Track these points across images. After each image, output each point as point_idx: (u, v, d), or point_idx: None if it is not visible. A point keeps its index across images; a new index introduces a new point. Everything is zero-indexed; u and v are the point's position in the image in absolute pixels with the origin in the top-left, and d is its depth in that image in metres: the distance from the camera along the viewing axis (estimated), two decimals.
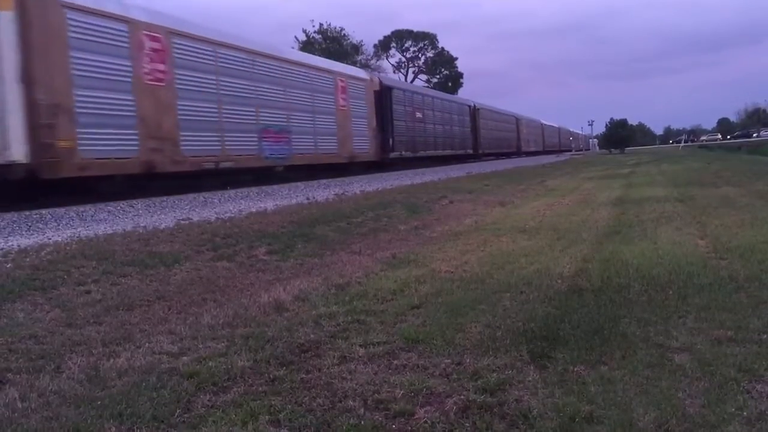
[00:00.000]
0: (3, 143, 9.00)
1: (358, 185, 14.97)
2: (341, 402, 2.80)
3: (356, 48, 57.12)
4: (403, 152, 24.54)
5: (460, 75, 67.81)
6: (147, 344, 3.70)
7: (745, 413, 2.54)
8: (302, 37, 53.87)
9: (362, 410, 2.71)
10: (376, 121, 22.25)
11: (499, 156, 41.72)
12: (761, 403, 2.62)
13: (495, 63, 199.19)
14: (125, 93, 11.18)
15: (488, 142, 38.91)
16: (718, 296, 4.23)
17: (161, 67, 12.09)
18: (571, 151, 72.58)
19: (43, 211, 8.45)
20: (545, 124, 61.13)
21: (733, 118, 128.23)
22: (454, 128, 32.26)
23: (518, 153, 47.16)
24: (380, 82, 23.71)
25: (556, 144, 66.62)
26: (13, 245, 6.06)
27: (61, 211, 8.61)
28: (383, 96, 23.14)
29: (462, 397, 2.80)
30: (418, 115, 26.81)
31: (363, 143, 21.37)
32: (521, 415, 2.59)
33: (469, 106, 35.70)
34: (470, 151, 34.73)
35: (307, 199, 11.48)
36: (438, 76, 67.00)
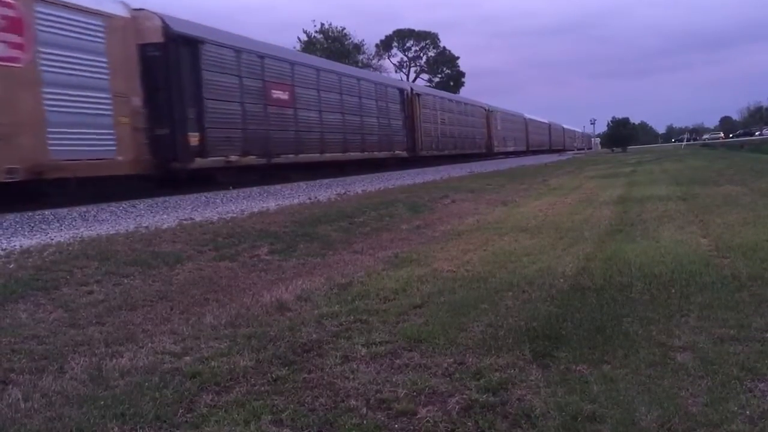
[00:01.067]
0: None
1: (360, 185, 14.98)
2: (343, 402, 2.80)
3: (358, 48, 57.07)
4: (233, 156, 14.02)
5: (462, 74, 67.86)
6: (149, 344, 3.70)
7: (747, 412, 2.53)
8: (303, 37, 53.82)
9: (364, 410, 2.71)
10: (144, 97, 11.67)
11: (458, 159, 31.51)
12: (764, 402, 2.62)
13: (496, 62, 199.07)
14: None
15: (436, 141, 28.83)
16: (720, 295, 4.22)
17: None
18: (563, 150, 64.50)
19: (46, 212, 8.47)
20: (530, 119, 51.16)
21: (735, 117, 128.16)
22: (367, 120, 21.57)
23: (490, 154, 37.78)
24: (164, 27, 12.34)
25: (546, 143, 57.49)
26: (15, 246, 6.07)
27: (63, 211, 8.63)
28: (173, 53, 12.47)
29: (464, 396, 2.80)
30: (280, 95, 16.06)
31: (94, 139, 10.66)
32: (524, 414, 2.59)
33: (401, 90, 25.72)
34: (402, 153, 24.57)
35: (310, 198, 11.49)
36: (440, 76, 67.00)
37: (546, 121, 59.96)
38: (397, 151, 24.04)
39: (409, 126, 25.59)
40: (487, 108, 38.47)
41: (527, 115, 50.43)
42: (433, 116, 28.62)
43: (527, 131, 49.49)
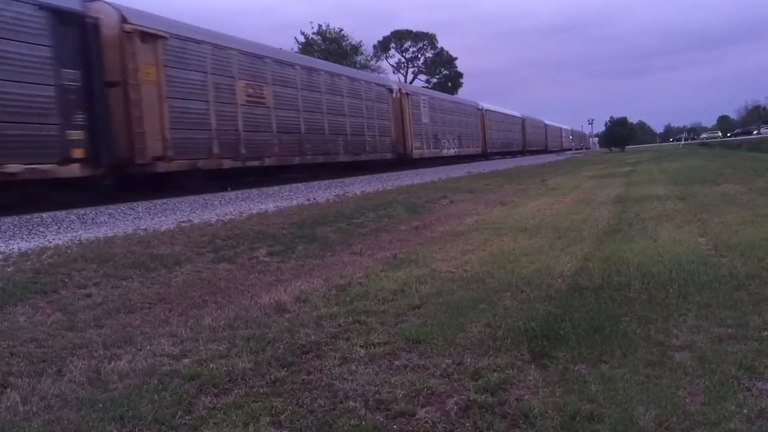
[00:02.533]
0: None
1: (359, 186, 14.98)
2: (342, 403, 2.81)
3: (355, 49, 57.04)
4: None
5: (460, 75, 67.83)
6: (148, 346, 3.70)
7: (745, 411, 2.54)
8: (301, 39, 53.78)
9: (363, 411, 2.71)
10: None
11: (319, 172, 17.87)
12: (762, 401, 2.62)
13: (495, 62, 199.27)
14: None
15: (229, 141, 13.76)
16: (718, 294, 4.23)
17: None
18: (544, 152, 53.96)
19: (44, 215, 8.46)
20: (490, 110, 38.18)
21: (733, 116, 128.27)
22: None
23: (405, 161, 24.34)
24: None
25: (517, 142, 45.70)
26: (14, 249, 6.06)
27: (62, 214, 8.62)
28: None
29: (463, 396, 2.80)
30: None
31: None
32: (522, 414, 2.60)
33: (77, 18, 10.08)
34: (66, 170, 9.71)
35: (308, 200, 11.48)
36: (438, 76, 66.96)
37: (518, 114, 46.89)
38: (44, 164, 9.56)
39: (115, 108, 11.08)
40: (397, 90, 24.68)
41: (485, 105, 37.16)
42: (214, 87, 13.51)
43: (484, 127, 36.19)
